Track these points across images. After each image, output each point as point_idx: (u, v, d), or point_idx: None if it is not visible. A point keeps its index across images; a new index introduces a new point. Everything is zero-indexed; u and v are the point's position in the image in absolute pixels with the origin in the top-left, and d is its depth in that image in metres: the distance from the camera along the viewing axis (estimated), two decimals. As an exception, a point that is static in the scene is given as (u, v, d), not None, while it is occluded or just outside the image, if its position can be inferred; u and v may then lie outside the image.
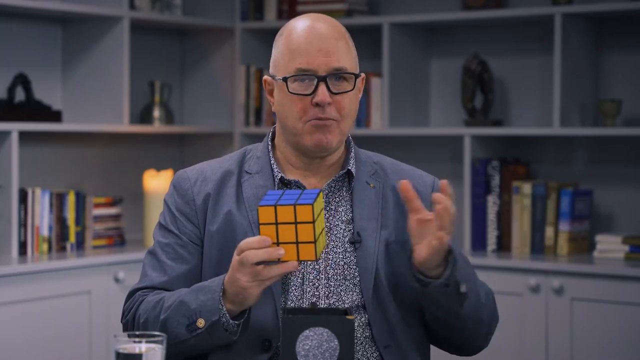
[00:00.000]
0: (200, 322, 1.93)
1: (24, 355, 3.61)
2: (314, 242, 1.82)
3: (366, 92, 4.43)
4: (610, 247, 3.93)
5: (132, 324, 2.06)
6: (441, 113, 4.55)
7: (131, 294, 2.11)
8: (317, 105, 2.02)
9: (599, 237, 3.97)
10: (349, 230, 2.08)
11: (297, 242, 1.83)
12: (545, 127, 4.17)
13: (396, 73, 4.38)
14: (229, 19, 4.73)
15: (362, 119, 4.45)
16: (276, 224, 1.82)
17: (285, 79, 2.04)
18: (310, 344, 1.82)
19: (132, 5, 4.34)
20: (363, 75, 2.13)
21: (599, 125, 4.13)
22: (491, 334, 2.15)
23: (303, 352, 1.82)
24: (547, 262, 3.84)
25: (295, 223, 1.81)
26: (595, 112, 4.16)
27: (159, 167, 4.58)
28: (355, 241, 2.07)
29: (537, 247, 4.05)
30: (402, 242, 2.07)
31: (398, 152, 4.00)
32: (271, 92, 2.12)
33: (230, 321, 1.92)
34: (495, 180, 4.15)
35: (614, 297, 3.68)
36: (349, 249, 2.07)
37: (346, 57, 2.06)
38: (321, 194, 1.86)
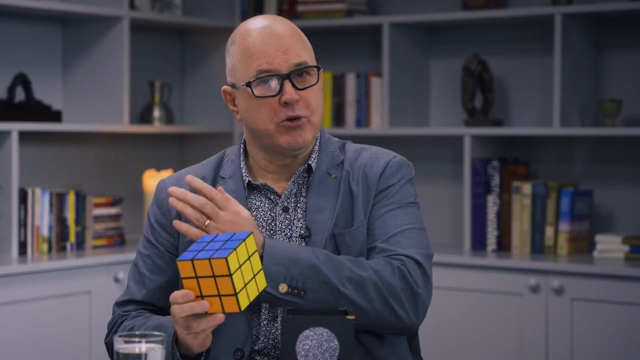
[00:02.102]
0: None
1: (24, 355, 3.61)
2: (235, 294, 1.76)
3: (366, 92, 4.43)
4: (610, 247, 3.93)
5: (111, 347, 2.09)
6: (441, 113, 4.55)
7: (114, 307, 2.15)
8: (286, 104, 2.01)
9: (599, 237, 3.97)
10: (306, 227, 2.06)
11: (219, 295, 1.78)
12: (545, 127, 4.17)
13: (396, 73, 4.38)
14: (229, 19, 4.72)
15: (362, 119, 4.45)
16: (196, 277, 1.78)
17: (249, 84, 2.02)
18: (310, 344, 1.82)
19: (132, 5, 4.34)
20: (321, 70, 2.10)
21: (599, 125, 4.13)
22: (398, 310, 1.98)
23: (303, 352, 1.82)
24: (547, 262, 3.84)
25: (214, 277, 1.76)
26: (595, 112, 4.16)
27: (159, 167, 4.59)
28: (305, 235, 2.04)
29: (537, 247, 4.05)
30: (342, 235, 2.04)
31: (398, 152, 3.99)
32: (232, 102, 2.10)
33: None
34: (495, 180, 4.15)
35: (614, 297, 3.68)
36: (302, 245, 2.04)
37: (304, 51, 2.05)
38: (251, 237, 1.79)
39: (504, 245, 4.14)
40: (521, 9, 4.16)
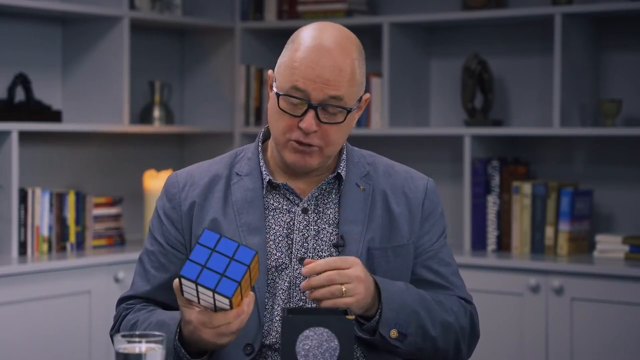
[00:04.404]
0: None
1: (24, 355, 3.61)
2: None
3: (366, 92, 4.43)
4: (610, 247, 3.93)
5: None
6: (441, 113, 4.55)
7: (119, 302, 2.16)
8: (301, 129, 2.00)
9: (599, 237, 3.97)
10: (335, 234, 2.07)
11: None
12: (545, 127, 4.17)
13: (396, 73, 4.38)
14: (229, 19, 4.72)
15: (362, 119, 4.45)
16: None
17: (278, 95, 2.02)
18: (310, 343, 1.82)
19: (132, 5, 4.34)
20: (367, 95, 2.10)
21: (599, 125, 4.13)
22: (464, 353, 2.11)
23: (303, 352, 1.82)
24: (547, 262, 3.84)
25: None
26: (595, 112, 4.16)
27: (159, 167, 4.59)
28: (339, 245, 2.06)
29: (537, 247, 4.05)
30: (384, 250, 2.07)
31: (398, 152, 4.01)
32: (272, 87, 2.09)
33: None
34: (495, 180, 4.15)
35: (614, 297, 3.68)
36: (334, 253, 2.06)
37: (346, 87, 2.01)
38: (255, 258, 1.80)
39: (504, 245, 4.14)
40: (521, 9, 4.16)
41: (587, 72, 4.14)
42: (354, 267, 1.92)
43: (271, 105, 2.06)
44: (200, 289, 1.78)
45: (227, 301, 1.78)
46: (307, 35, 2.03)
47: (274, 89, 2.04)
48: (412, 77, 4.48)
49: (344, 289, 1.90)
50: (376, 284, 1.98)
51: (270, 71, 2.10)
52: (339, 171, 2.10)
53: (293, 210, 2.08)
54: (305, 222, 2.07)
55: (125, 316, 2.10)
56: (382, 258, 2.06)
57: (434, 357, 2.06)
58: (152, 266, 2.12)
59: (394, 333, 1.97)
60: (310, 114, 1.99)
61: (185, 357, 1.92)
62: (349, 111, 2.03)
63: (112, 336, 2.12)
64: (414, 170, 2.20)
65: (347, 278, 1.91)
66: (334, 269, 1.90)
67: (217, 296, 1.78)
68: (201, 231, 1.95)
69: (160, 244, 2.12)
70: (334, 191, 2.11)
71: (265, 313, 2.04)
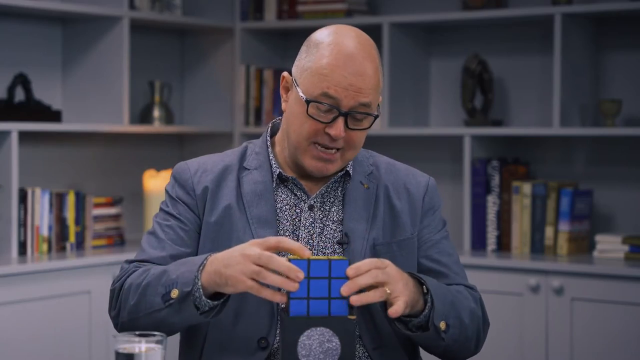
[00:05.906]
0: (174, 293, 1.89)
1: (24, 355, 3.61)
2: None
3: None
4: (610, 247, 3.93)
5: (118, 291, 2.03)
6: (441, 113, 4.55)
7: (126, 263, 2.08)
8: (329, 134, 2.01)
9: (599, 237, 3.97)
10: (339, 231, 2.08)
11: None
12: (545, 127, 4.17)
13: (396, 73, 4.38)
14: (229, 19, 4.72)
15: (362, 119, 4.45)
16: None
17: (308, 102, 2.01)
18: (311, 343, 1.82)
19: (132, 5, 4.34)
20: (380, 99, 2.11)
21: (599, 125, 4.13)
22: (482, 342, 2.11)
23: (304, 352, 1.82)
24: (547, 262, 3.84)
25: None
26: (595, 112, 4.16)
27: (159, 167, 4.59)
28: (343, 242, 2.07)
29: (537, 247, 4.05)
30: (388, 245, 2.08)
31: (398, 152, 4.00)
32: (286, 90, 2.09)
33: (203, 298, 1.88)
34: (495, 180, 4.15)
35: (614, 297, 3.68)
36: (337, 250, 2.07)
37: (373, 93, 2.03)
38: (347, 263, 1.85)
39: (504, 245, 4.14)
40: (521, 9, 4.16)
41: (587, 72, 4.14)
42: (389, 266, 1.90)
43: (293, 109, 2.05)
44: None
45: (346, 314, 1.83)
46: (331, 41, 2.02)
47: (301, 95, 2.02)
48: (412, 77, 4.48)
49: (387, 290, 1.88)
50: (415, 279, 1.97)
51: (285, 73, 2.09)
52: (347, 169, 2.12)
53: (300, 206, 2.09)
54: (311, 219, 2.08)
55: (135, 271, 2.03)
56: (387, 253, 2.06)
57: (458, 350, 2.04)
58: (169, 238, 2.07)
59: (442, 325, 1.96)
60: (340, 120, 2.00)
61: (198, 291, 1.87)
62: (375, 117, 2.05)
63: (112, 290, 2.05)
64: (415, 168, 2.23)
65: (386, 276, 1.88)
66: (375, 267, 1.88)
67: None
68: (214, 218, 1.97)
69: (178, 219, 2.09)
70: (339, 189, 2.12)
71: (277, 309, 2.04)
